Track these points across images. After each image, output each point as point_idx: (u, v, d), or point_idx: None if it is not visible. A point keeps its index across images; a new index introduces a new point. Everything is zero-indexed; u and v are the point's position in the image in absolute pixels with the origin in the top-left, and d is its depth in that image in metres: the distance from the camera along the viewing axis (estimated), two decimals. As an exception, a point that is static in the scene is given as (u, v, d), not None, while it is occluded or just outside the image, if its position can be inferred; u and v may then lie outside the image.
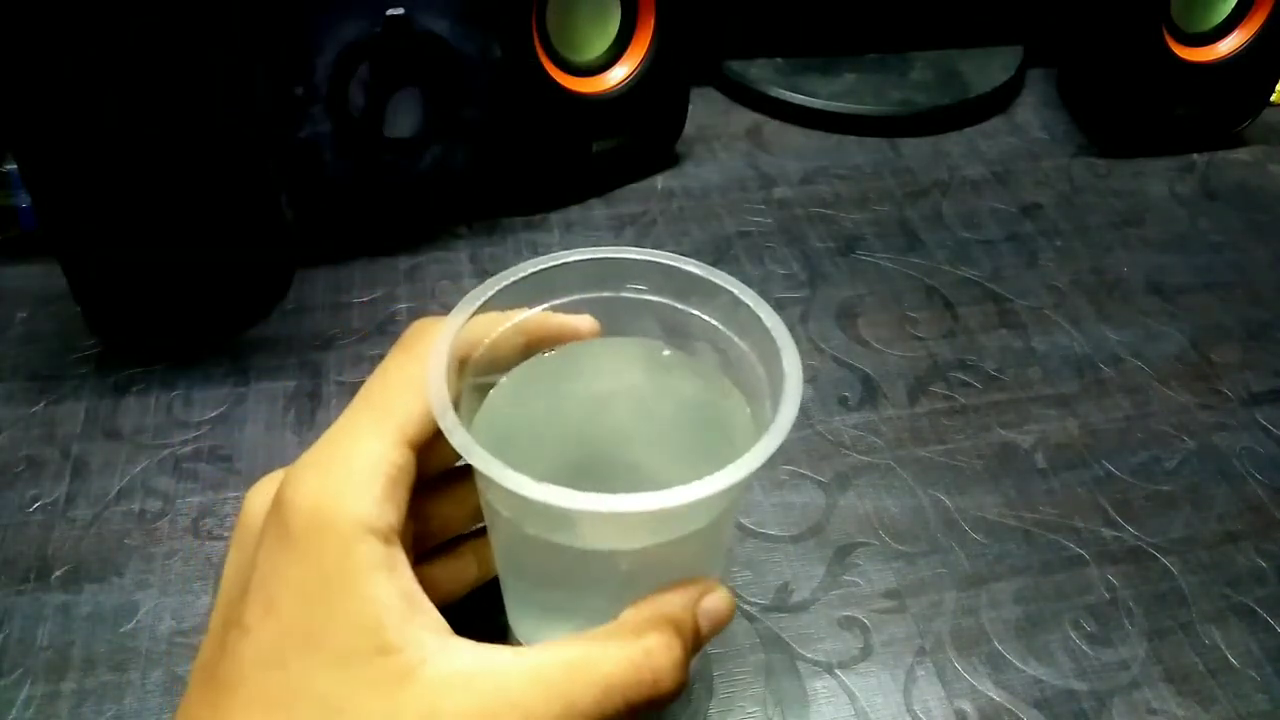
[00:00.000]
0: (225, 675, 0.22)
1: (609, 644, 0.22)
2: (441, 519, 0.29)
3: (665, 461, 0.27)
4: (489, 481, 0.22)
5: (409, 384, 0.25)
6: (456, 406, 0.24)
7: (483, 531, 0.30)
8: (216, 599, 0.25)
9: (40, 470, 0.38)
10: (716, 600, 0.25)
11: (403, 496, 0.24)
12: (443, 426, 0.23)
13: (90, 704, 0.30)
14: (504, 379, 0.28)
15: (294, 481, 0.23)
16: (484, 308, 0.26)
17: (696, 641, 0.24)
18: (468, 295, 0.26)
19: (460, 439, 0.23)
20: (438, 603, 0.30)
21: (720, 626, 0.25)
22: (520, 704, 0.21)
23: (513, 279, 0.27)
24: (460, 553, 0.31)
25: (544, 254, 0.28)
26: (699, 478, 0.22)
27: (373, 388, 0.25)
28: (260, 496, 0.25)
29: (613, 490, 0.22)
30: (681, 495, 0.21)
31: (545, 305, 0.28)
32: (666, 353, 0.29)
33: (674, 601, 0.24)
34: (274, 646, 0.22)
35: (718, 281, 0.27)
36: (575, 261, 0.28)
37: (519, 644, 0.30)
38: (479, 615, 0.32)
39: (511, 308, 0.27)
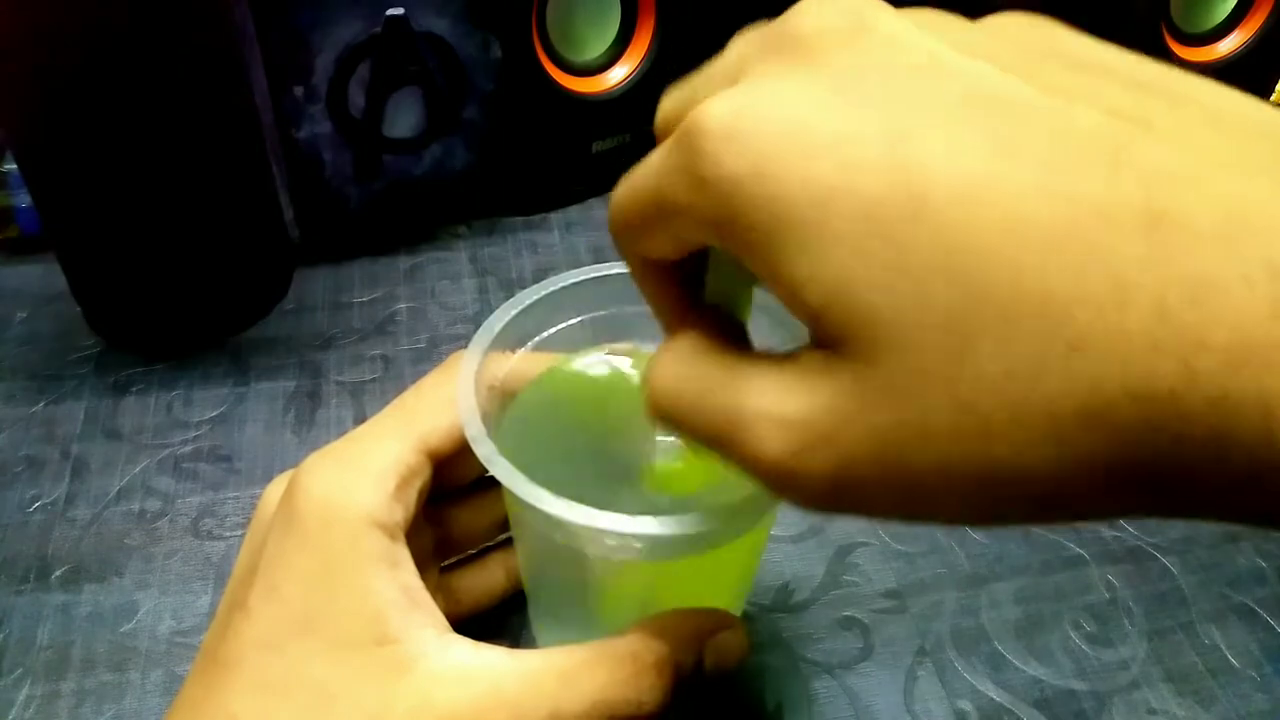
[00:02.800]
0: (224, 655, 0.22)
1: (605, 659, 0.23)
2: (464, 528, 0.30)
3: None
4: (511, 492, 0.22)
5: (439, 399, 0.25)
6: (486, 421, 0.24)
7: (511, 543, 0.30)
8: (229, 582, 0.25)
9: (40, 470, 0.38)
10: (729, 639, 0.25)
11: (413, 498, 0.25)
12: (468, 435, 0.23)
13: (90, 704, 0.30)
14: (532, 385, 0.28)
15: (308, 470, 0.24)
16: (523, 314, 0.27)
17: (697, 673, 0.24)
18: (503, 305, 0.27)
19: (484, 449, 0.23)
20: (467, 611, 0.31)
21: (728, 665, 0.25)
22: (511, 704, 0.21)
23: (551, 289, 0.27)
24: (488, 563, 0.31)
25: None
26: (731, 497, 0.22)
27: (404, 398, 0.26)
28: (279, 488, 0.25)
29: (641, 504, 0.22)
30: (689, 524, 0.21)
31: (582, 318, 0.28)
32: None
33: (683, 627, 0.24)
34: (273, 629, 0.22)
35: None
36: (615, 275, 0.28)
37: None
38: (506, 622, 0.32)
39: (549, 320, 0.28)
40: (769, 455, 0.16)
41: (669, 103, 0.20)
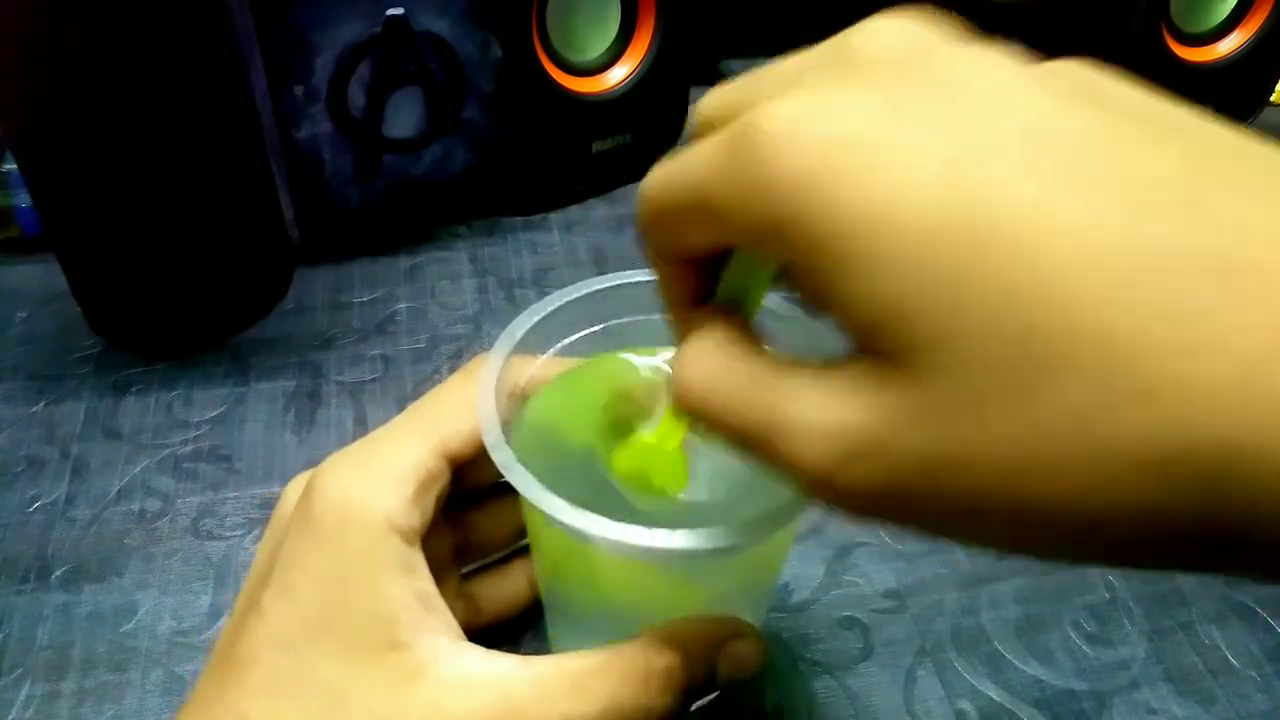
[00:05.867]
0: (237, 655, 0.22)
1: (616, 666, 0.22)
2: (485, 533, 0.30)
3: (717, 484, 0.26)
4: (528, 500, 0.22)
5: (460, 402, 0.25)
6: (506, 427, 0.24)
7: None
8: (245, 582, 0.25)
9: (40, 470, 0.38)
10: (745, 647, 0.25)
11: (431, 503, 0.25)
12: (486, 442, 0.23)
13: (90, 704, 0.30)
14: (549, 390, 0.27)
15: (327, 472, 0.24)
16: (546, 320, 0.26)
17: (710, 680, 0.24)
18: (526, 310, 0.26)
19: (502, 456, 0.23)
20: (489, 620, 0.30)
21: (743, 673, 0.25)
22: (522, 711, 0.21)
23: (575, 295, 0.27)
24: (511, 570, 0.31)
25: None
26: (749, 504, 0.22)
27: (424, 401, 0.26)
28: (297, 488, 0.25)
29: (660, 511, 0.22)
30: (709, 539, 0.21)
31: (605, 324, 0.28)
32: None
33: (697, 635, 0.24)
34: (287, 631, 0.22)
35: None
36: (637, 283, 0.27)
37: None
38: (523, 630, 0.32)
39: (572, 326, 0.27)
40: (812, 463, 0.16)
41: (715, 99, 0.19)
